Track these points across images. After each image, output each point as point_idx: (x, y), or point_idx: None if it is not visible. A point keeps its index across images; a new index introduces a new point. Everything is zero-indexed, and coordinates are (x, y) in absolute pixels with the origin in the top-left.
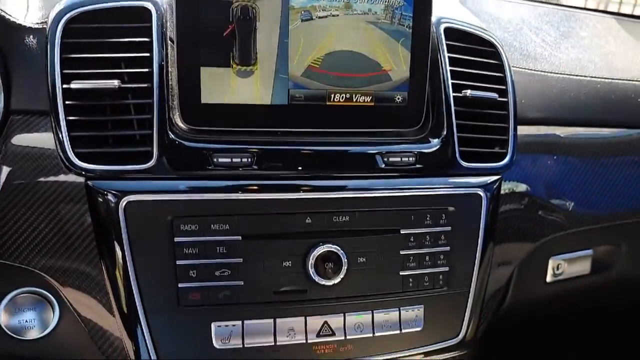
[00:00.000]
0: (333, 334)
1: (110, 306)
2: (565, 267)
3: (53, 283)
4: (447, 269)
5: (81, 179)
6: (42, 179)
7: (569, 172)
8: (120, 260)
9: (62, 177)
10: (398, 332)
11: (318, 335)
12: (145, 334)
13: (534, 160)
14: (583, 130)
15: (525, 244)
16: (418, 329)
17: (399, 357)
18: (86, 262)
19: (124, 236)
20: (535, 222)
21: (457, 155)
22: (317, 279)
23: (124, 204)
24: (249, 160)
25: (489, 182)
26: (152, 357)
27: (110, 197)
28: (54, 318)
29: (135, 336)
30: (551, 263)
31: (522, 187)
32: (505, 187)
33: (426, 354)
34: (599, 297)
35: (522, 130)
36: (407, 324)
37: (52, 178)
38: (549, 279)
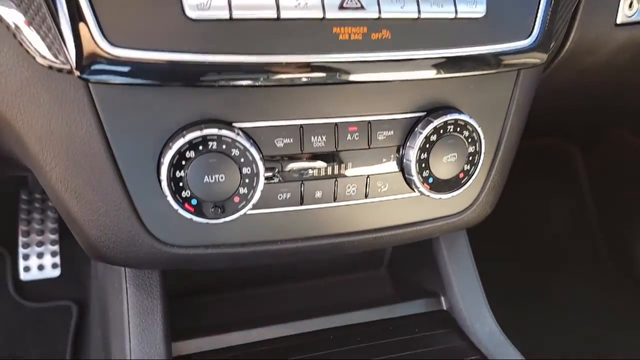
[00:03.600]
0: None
1: None
2: None
3: None
4: None
5: None
6: None
7: None
8: None
9: None
10: (452, 14)
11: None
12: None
13: None
14: None
15: None
16: (479, 14)
17: (453, 55)
18: None
19: None
20: None
21: None
22: None
23: None
24: None
25: None
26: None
27: None
28: None
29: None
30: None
31: None
32: None
33: (486, 57)
34: None
35: None
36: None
37: None
38: (619, 19)
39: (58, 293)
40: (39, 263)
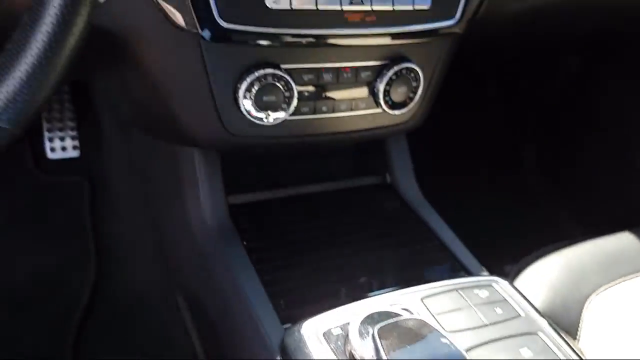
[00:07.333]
0: None
1: None
2: None
3: None
4: None
5: None
6: None
7: None
8: None
9: None
10: (410, 7)
11: None
12: None
13: None
14: None
15: None
16: (425, 6)
17: (409, 30)
18: None
19: None
20: None
21: None
22: None
23: None
24: None
25: None
26: None
27: None
28: None
29: None
30: None
31: None
32: None
33: (427, 30)
34: None
35: None
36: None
37: None
38: None
39: (75, 172)
40: (62, 145)
